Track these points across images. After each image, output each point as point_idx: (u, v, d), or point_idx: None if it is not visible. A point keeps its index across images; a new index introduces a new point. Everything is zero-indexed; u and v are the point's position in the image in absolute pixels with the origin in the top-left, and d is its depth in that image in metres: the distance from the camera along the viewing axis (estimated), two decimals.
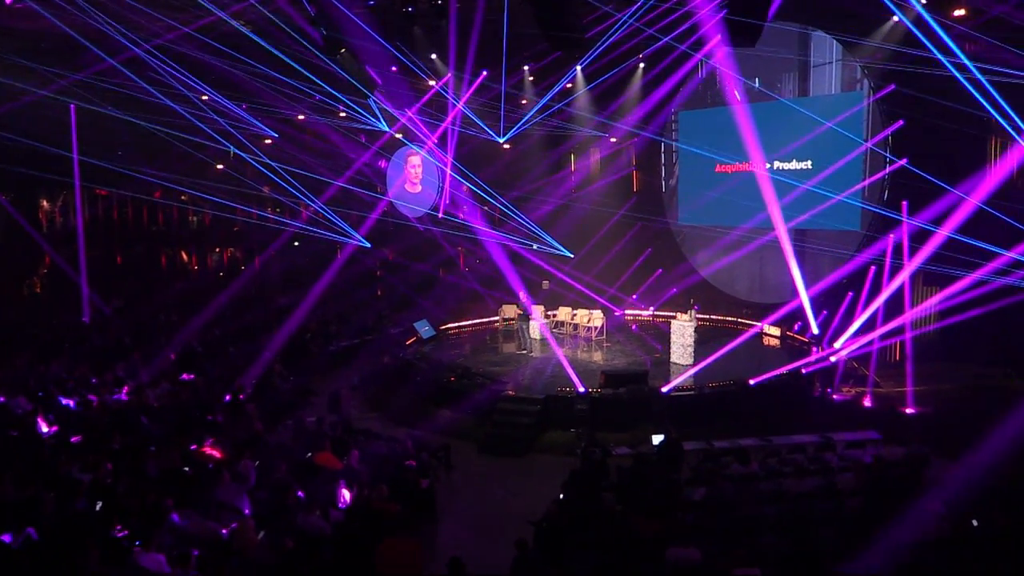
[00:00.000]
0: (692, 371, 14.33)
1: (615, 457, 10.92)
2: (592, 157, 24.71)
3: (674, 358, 15.84)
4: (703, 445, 11.20)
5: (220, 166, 24.55)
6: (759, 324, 18.61)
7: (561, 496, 9.34)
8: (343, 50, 16.00)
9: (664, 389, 13.05)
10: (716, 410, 13.07)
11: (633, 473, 10.08)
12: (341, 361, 18.68)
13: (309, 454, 10.70)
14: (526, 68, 22.81)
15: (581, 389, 13.08)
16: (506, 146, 24.76)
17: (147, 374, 15.15)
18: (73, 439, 11.41)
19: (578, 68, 22.38)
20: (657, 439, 11.13)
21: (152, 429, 12.12)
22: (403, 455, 10.31)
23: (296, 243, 28.39)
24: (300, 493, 9.09)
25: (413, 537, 8.07)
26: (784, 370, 14.41)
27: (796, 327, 18.67)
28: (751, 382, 13.47)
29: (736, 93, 20.46)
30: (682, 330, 15.65)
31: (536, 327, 17.69)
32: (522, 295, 17.45)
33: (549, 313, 19.44)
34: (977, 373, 15.69)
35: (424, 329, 18.40)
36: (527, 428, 12.79)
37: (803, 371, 14.48)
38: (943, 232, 14.95)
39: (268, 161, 22.06)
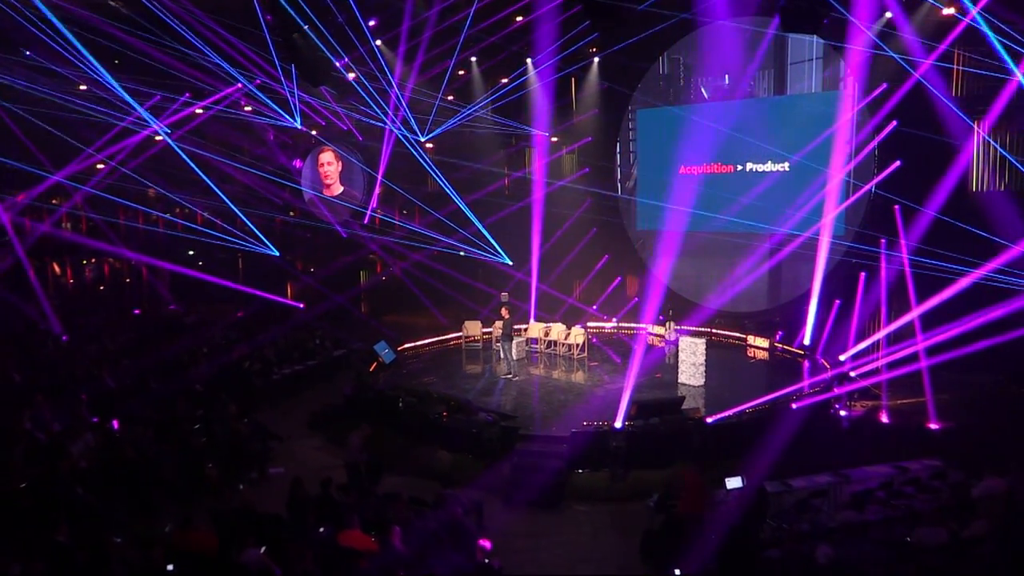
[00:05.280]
0: (751, 403, 12.57)
1: None
2: (541, 159, 23.08)
3: (683, 378, 14.43)
4: (780, 487, 9.73)
5: (101, 166, 21.08)
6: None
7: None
8: (296, 34, 13.59)
9: (710, 420, 11.52)
10: (753, 439, 11.69)
11: (730, 531, 8.46)
12: (287, 392, 16.09)
13: (322, 529, 8.40)
14: (474, 60, 20.92)
15: (618, 424, 11.34)
16: (428, 145, 22.85)
17: (58, 422, 12.14)
18: None
19: (529, 61, 20.77)
20: (732, 483, 9.60)
21: (91, 502, 9.36)
22: (456, 527, 8.19)
23: (191, 251, 25.30)
24: None
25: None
26: (830, 394, 13.24)
27: (779, 336, 17.81)
28: (793, 406, 12.22)
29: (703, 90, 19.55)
30: (693, 348, 14.25)
31: (519, 347, 15.88)
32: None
33: (519, 328, 17.60)
34: (968, 381, 15.30)
35: (385, 352, 16.11)
36: (555, 473, 10.90)
37: (835, 390, 13.40)
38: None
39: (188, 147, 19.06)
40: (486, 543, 7.45)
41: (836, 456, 11.00)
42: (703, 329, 18.78)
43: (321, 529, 8.37)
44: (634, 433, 11.25)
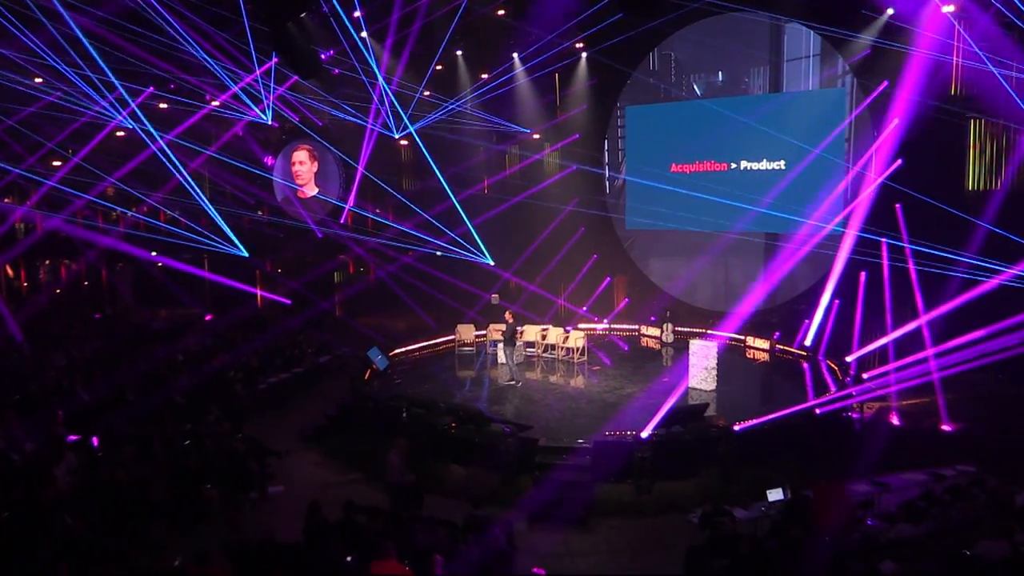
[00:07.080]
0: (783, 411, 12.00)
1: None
2: (529, 156, 22.47)
3: (693, 383, 14.01)
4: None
5: (57, 163, 19.87)
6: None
7: None
8: (289, 24, 12.80)
9: (737, 428, 11.06)
10: (777, 447, 11.34)
11: (787, 551, 7.98)
12: (273, 402, 15.22)
13: (349, 558, 7.69)
14: (459, 53, 20.23)
15: (645, 433, 10.82)
16: (403, 142, 22.16)
17: (31, 440, 11.12)
18: None
19: (515, 56, 20.17)
20: (774, 495, 9.18)
21: (86, 534, 8.47)
22: (501, 555, 7.58)
23: (154, 252, 24.13)
24: None
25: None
26: (852, 400, 12.92)
27: (776, 336, 17.54)
28: (818, 412, 11.87)
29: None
30: (704, 351, 13.84)
31: (519, 352, 15.26)
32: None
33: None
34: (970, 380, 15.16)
35: (378, 359, 15.36)
36: (582, 486, 10.34)
37: (855, 396, 13.10)
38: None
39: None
40: (541, 572, 6.83)
41: (856, 462, 10.70)
42: (699, 329, 18.39)
43: (348, 559, 7.68)
44: (660, 443, 10.75)
